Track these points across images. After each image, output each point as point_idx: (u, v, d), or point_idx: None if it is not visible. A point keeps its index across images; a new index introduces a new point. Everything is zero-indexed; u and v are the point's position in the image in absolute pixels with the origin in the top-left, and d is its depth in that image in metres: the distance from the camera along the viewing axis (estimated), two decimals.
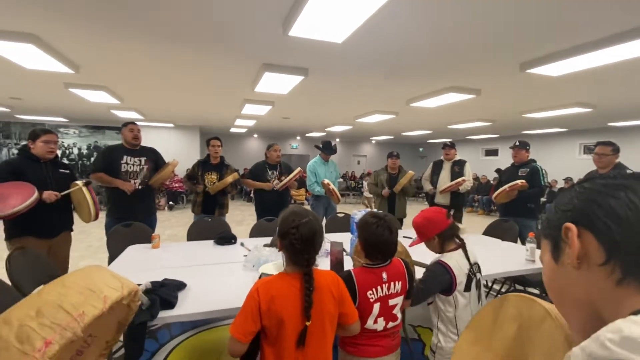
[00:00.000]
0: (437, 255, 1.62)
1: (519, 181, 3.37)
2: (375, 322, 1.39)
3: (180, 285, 1.69)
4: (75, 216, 2.74)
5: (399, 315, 1.46)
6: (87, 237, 5.55)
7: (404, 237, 2.90)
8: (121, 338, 1.14)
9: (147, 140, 11.55)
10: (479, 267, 1.63)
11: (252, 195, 4.10)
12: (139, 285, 1.51)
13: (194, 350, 2.39)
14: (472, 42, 2.96)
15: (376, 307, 1.37)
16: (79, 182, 2.55)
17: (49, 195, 2.37)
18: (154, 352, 2.34)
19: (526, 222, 3.46)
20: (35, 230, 2.45)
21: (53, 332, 0.60)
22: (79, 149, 10.17)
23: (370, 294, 1.36)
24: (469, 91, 4.59)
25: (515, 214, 3.52)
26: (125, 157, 3.15)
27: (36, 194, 2.25)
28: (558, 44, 2.91)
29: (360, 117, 7.42)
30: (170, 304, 1.49)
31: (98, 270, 0.80)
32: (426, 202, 4.42)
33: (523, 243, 3.16)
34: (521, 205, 3.49)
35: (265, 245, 2.39)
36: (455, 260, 1.54)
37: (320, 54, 3.29)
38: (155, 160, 3.30)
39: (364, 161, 16.10)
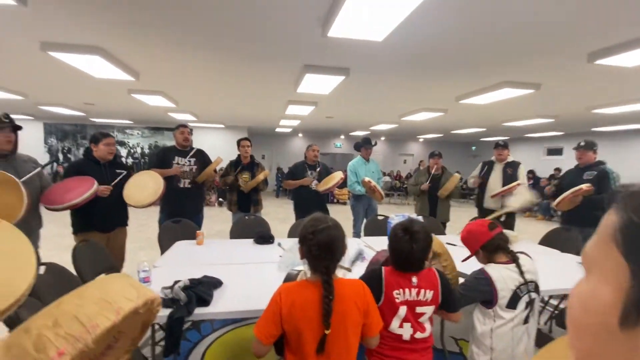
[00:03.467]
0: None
1: (583, 185, 2.97)
2: (401, 326, 1.34)
3: (217, 283, 1.76)
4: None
5: (428, 328, 1.39)
6: (147, 230, 6.07)
7: (447, 243, 2.75)
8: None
9: (200, 140, 12.24)
10: (536, 286, 1.49)
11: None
12: (178, 282, 1.62)
13: (231, 343, 2.49)
14: (528, 33, 2.69)
15: (402, 309, 1.33)
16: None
17: (103, 190, 2.62)
18: (196, 342, 2.49)
19: (592, 233, 3.06)
20: (96, 225, 2.72)
21: (66, 343, 0.65)
22: (142, 148, 11.15)
23: (397, 294, 1.33)
24: (526, 86, 4.21)
25: (580, 223, 3.09)
26: (176, 157, 3.38)
27: (94, 187, 2.49)
28: (631, 31, 2.54)
29: (405, 116, 7.18)
30: (205, 302, 1.56)
31: (117, 280, 0.85)
32: (475, 206, 4.12)
33: None
34: (587, 212, 3.07)
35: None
36: (499, 272, 1.44)
37: (360, 53, 3.23)
38: (203, 160, 3.49)
39: (410, 160, 15.59)
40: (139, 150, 11.15)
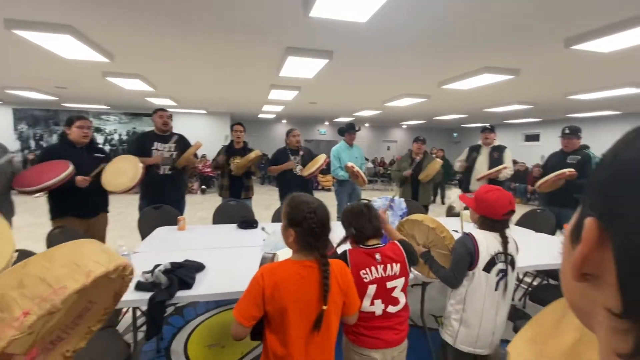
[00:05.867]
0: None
1: (566, 170, 3.09)
2: (372, 303, 1.38)
3: (199, 267, 1.75)
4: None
5: (402, 300, 1.43)
6: (126, 218, 5.93)
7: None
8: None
9: (180, 126, 11.93)
10: (514, 262, 1.56)
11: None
12: (158, 265, 1.59)
13: (216, 327, 2.50)
14: (507, 18, 2.72)
15: (372, 288, 1.37)
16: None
17: (81, 181, 2.52)
18: (180, 327, 2.48)
19: (570, 213, 3.19)
20: (75, 211, 2.64)
21: (32, 303, 0.63)
22: (120, 135, 10.77)
23: (364, 274, 1.36)
24: (506, 71, 4.27)
25: (560, 203, 3.24)
26: (155, 143, 3.28)
27: (69, 169, 2.39)
28: (609, 15, 2.60)
29: (389, 101, 7.19)
30: (187, 285, 1.54)
31: (89, 245, 0.83)
32: (459, 189, 4.21)
33: None
34: (567, 195, 3.17)
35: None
36: (484, 237, 1.52)
37: (344, 35, 3.18)
38: (183, 146, 3.41)
39: (394, 147, 15.73)
40: (116, 136, 10.77)
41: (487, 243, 1.50)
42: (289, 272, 1.13)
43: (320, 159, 3.67)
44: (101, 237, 2.90)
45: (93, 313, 0.88)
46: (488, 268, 1.49)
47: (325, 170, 4.51)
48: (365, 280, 1.37)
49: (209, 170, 9.61)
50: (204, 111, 10.70)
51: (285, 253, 1.81)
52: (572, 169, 3.08)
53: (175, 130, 3.47)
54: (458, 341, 1.55)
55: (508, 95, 6.33)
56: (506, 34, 3.09)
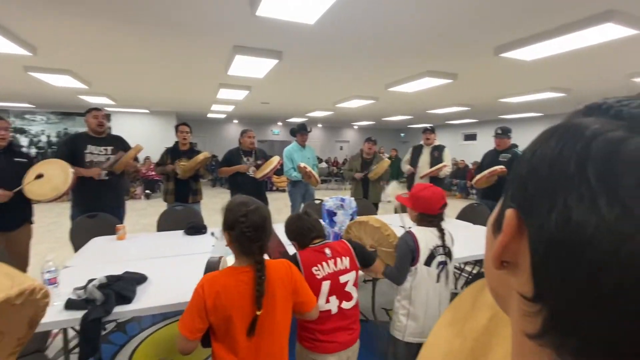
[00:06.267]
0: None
1: (497, 167, 3.42)
2: (328, 301, 1.39)
3: (141, 279, 1.63)
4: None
5: (354, 295, 1.47)
6: (59, 229, 5.34)
7: None
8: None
9: (120, 127, 11.11)
10: (450, 253, 1.66)
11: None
12: (92, 280, 1.46)
13: (162, 342, 2.35)
14: (447, 25, 2.91)
15: (325, 284, 1.38)
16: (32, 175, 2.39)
17: (0, 195, 2.23)
18: (122, 344, 2.29)
19: None
20: None
21: None
22: (48, 137, 9.69)
23: (316, 271, 1.38)
24: (445, 75, 4.58)
25: (494, 198, 3.57)
26: (89, 146, 2.99)
27: None
28: (531, 27, 2.90)
29: (340, 102, 7.34)
30: (126, 299, 1.43)
31: None
32: (406, 187, 4.44)
33: None
34: (500, 189, 3.52)
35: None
36: (423, 233, 1.60)
37: (293, 36, 3.18)
38: (122, 149, 3.14)
39: (346, 147, 16.08)
40: (44, 138, 9.67)
41: (426, 238, 1.59)
42: (230, 279, 1.09)
43: (274, 160, 3.62)
44: (24, 252, 2.59)
45: (4, 345, 0.77)
46: (428, 262, 1.58)
47: (280, 171, 4.47)
48: (318, 277, 1.38)
49: (153, 173, 9.02)
50: (146, 110, 10.02)
51: (234, 258, 1.76)
52: (503, 166, 3.42)
53: (114, 132, 3.20)
54: (407, 335, 1.61)
55: (448, 97, 6.79)
56: (445, 41, 3.31)
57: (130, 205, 7.28)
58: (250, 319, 1.07)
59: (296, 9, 2.42)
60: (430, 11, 2.62)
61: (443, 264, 1.63)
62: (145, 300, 1.51)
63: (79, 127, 9.64)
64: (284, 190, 10.29)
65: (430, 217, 1.62)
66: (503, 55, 3.43)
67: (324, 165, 12.61)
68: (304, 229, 1.47)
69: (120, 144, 3.16)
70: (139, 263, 1.93)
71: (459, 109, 8.13)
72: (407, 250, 1.57)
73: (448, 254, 1.65)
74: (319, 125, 15.10)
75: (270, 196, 4.76)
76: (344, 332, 1.42)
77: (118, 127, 9.80)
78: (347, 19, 2.77)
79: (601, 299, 0.18)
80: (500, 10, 2.56)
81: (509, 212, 0.25)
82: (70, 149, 2.93)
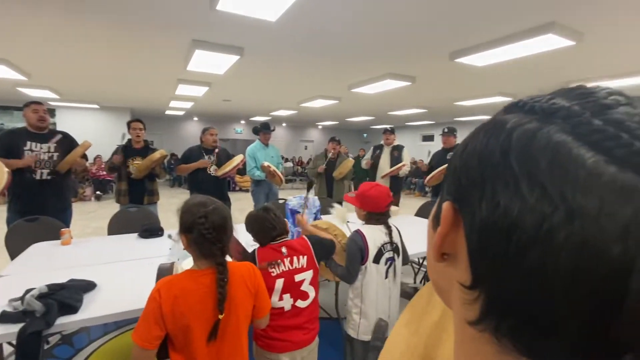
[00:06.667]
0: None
1: (445, 166, 3.60)
2: (281, 298, 1.39)
3: (88, 286, 1.51)
4: None
5: (311, 295, 1.47)
6: None
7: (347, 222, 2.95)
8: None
9: (66, 123, 10.28)
10: (398, 248, 1.71)
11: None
12: (31, 290, 1.33)
13: (114, 353, 2.20)
14: (406, 29, 3.02)
15: (279, 282, 1.38)
16: None
17: None
18: (68, 358, 2.11)
19: None
20: None
21: None
22: None
23: (271, 268, 1.38)
24: (404, 78, 4.74)
25: None
26: (29, 142, 2.73)
27: None
28: (482, 35, 3.09)
29: (304, 102, 7.33)
30: (72, 308, 1.32)
31: None
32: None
33: None
34: None
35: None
36: (372, 231, 1.63)
37: (255, 32, 3.12)
38: (67, 146, 2.90)
39: (311, 146, 16.11)
40: None
41: (374, 236, 1.62)
42: (188, 283, 1.04)
43: (237, 159, 3.53)
44: None
45: None
46: (377, 259, 1.62)
47: (243, 170, 4.36)
48: (272, 274, 1.37)
49: (104, 173, 8.44)
50: (96, 106, 9.32)
51: (191, 262, 1.69)
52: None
53: (60, 128, 2.93)
54: (360, 333, 1.63)
55: (407, 100, 7.05)
56: (405, 44, 3.42)
57: (79, 208, 6.77)
58: (211, 324, 1.03)
59: (257, 5, 2.38)
60: (391, 15, 2.70)
61: (391, 260, 1.66)
62: (94, 309, 1.40)
63: (17, 122, 8.77)
64: (247, 190, 10.09)
65: (378, 215, 1.66)
66: (457, 61, 3.62)
67: (289, 164, 12.54)
68: (265, 227, 1.45)
69: (65, 141, 2.91)
70: (87, 270, 1.80)
71: (418, 110, 8.46)
72: (356, 249, 1.59)
73: (395, 249, 1.70)
74: (284, 125, 14.99)
75: (234, 196, 4.64)
76: (299, 332, 1.42)
77: (63, 123, 9.05)
78: (309, 17, 2.77)
79: (529, 277, 0.20)
80: (455, 17, 2.70)
81: (445, 205, 0.26)
82: (6, 146, 2.65)
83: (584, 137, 0.20)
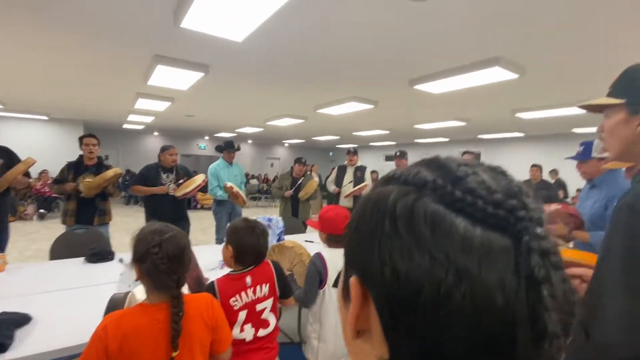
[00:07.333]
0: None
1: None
2: (242, 330, 1.33)
3: (21, 320, 1.35)
4: None
5: (272, 321, 1.43)
6: None
7: (305, 240, 2.93)
8: None
9: (9, 135, 9.48)
10: None
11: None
12: None
13: None
14: (368, 56, 3.16)
15: (242, 314, 1.33)
16: None
17: None
18: None
19: None
20: None
21: None
22: None
23: (234, 302, 1.32)
24: (368, 101, 4.94)
25: None
26: None
27: None
28: (436, 66, 3.32)
29: (270, 120, 7.34)
30: (1, 346, 1.17)
31: None
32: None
33: None
34: None
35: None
36: (332, 255, 1.61)
37: (220, 51, 3.11)
38: (8, 161, 2.65)
39: (277, 164, 16.04)
40: None
41: (335, 259, 1.60)
42: (142, 319, 0.96)
43: (198, 179, 3.38)
44: None
45: None
46: (336, 283, 1.60)
47: (205, 188, 4.22)
48: (235, 308, 1.31)
49: (49, 190, 7.78)
50: (44, 117, 8.65)
51: (140, 291, 1.58)
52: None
53: (2, 141, 2.68)
54: (319, 358, 1.60)
55: (370, 121, 7.31)
56: (367, 69, 3.58)
57: (18, 228, 6.16)
58: None
59: (224, 25, 2.39)
60: (354, 42, 2.82)
61: None
62: (28, 345, 1.25)
63: None
64: (209, 209, 9.75)
65: (337, 237, 1.64)
66: (416, 87, 3.84)
67: (254, 182, 12.35)
68: (250, 249, 1.35)
69: (5, 156, 2.66)
70: (22, 300, 1.62)
71: (381, 132, 8.80)
72: (315, 272, 1.57)
73: None
74: (249, 141, 14.84)
75: (195, 215, 4.45)
76: (260, 352, 1.37)
77: (7, 136, 8.29)
78: (276, 39, 2.82)
79: (440, 334, 0.22)
80: (414, 47, 2.89)
81: (352, 281, 0.27)
82: None
83: (451, 205, 0.23)
